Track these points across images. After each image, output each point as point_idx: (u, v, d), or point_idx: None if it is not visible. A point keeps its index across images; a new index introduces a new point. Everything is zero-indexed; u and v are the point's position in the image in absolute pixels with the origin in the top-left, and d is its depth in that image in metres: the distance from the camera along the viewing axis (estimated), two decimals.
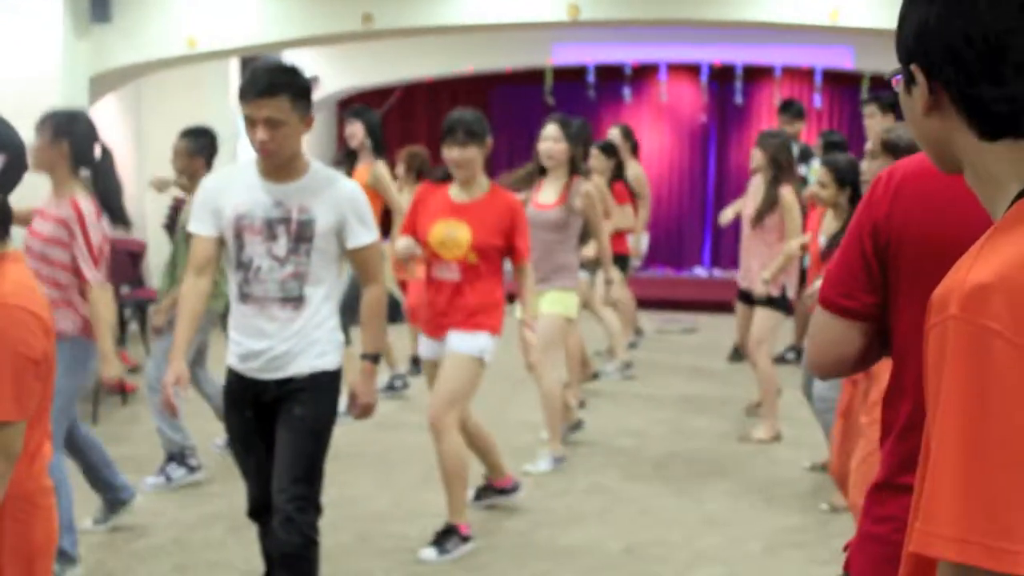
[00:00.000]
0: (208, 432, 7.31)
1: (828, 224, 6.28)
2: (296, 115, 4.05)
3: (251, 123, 4.05)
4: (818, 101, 15.33)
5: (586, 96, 15.53)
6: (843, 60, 14.30)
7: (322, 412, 4.22)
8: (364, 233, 4.22)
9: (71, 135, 5.07)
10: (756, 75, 15.83)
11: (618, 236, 9.36)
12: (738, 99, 15.69)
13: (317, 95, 15.04)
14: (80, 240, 4.97)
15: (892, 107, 9.10)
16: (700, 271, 17.13)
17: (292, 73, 4.09)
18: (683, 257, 17.14)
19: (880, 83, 14.88)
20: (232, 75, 12.65)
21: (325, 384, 4.22)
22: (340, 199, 4.17)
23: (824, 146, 10.01)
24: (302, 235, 4.13)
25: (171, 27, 9.85)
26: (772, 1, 9.64)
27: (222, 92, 12.40)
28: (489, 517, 6.04)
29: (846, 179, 6.13)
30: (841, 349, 2.15)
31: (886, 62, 13.99)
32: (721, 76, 15.89)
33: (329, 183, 4.18)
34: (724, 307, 13.83)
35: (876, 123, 9.10)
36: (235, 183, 4.21)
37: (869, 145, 4.66)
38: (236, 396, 4.29)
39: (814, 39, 13.75)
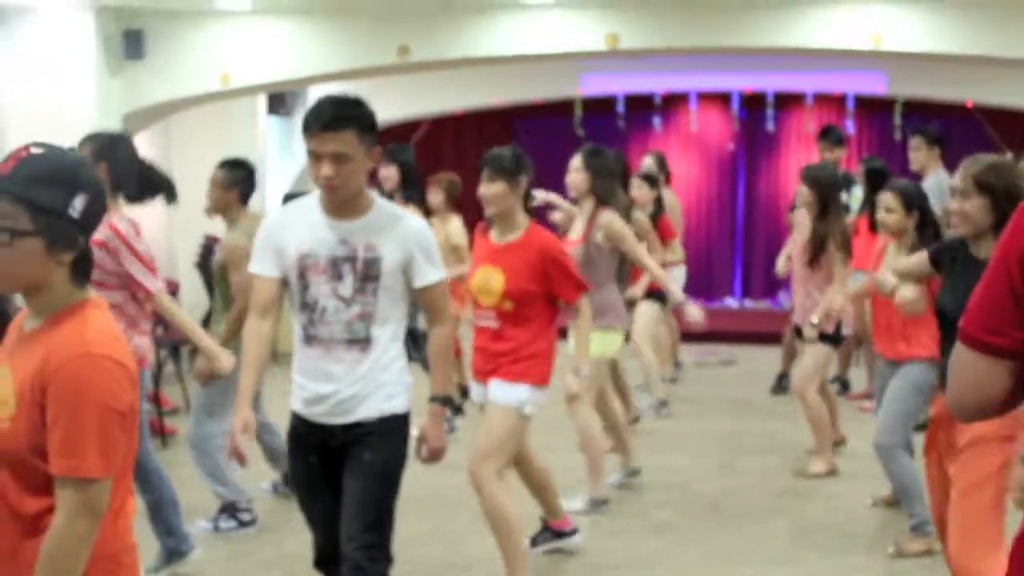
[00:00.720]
0: (254, 474, 7.14)
1: (891, 257, 6.04)
2: (362, 149, 3.91)
3: (316, 158, 3.91)
4: (850, 127, 15.17)
5: (616, 127, 15.43)
6: (875, 86, 14.16)
7: (391, 457, 4.06)
8: (432, 271, 4.08)
9: (111, 159, 4.96)
10: (787, 102, 15.72)
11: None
12: (769, 126, 15.57)
13: None
14: (127, 254, 4.88)
15: (938, 140, 8.96)
16: (731, 301, 16.97)
17: (358, 105, 3.94)
18: (713, 287, 16.97)
19: (912, 108, 14.76)
20: (260, 108, 12.56)
21: (394, 428, 4.07)
22: (407, 236, 4.02)
23: (866, 172, 9.87)
24: (368, 274, 3.99)
25: (204, 63, 9.78)
26: (813, 27, 9.53)
27: (250, 126, 12.32)
28: (547, 562, 5.86)
29: (913, 203, 5.94)
30: (986, 390, 1.98)
31: (918, 87, 13.86)
32: (752, 103, 15.77)
33: (395, 220, 4.04)
34: (756, 338, 13.68)
35: (922, 156, 8.97)
36: (297, 221, 4.07)
37: (955, 181, 4.46)
38: (301, 441, 4.14)
39: (846, 64, 13.63)
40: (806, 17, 9.45)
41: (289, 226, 4.07)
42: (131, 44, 9.57)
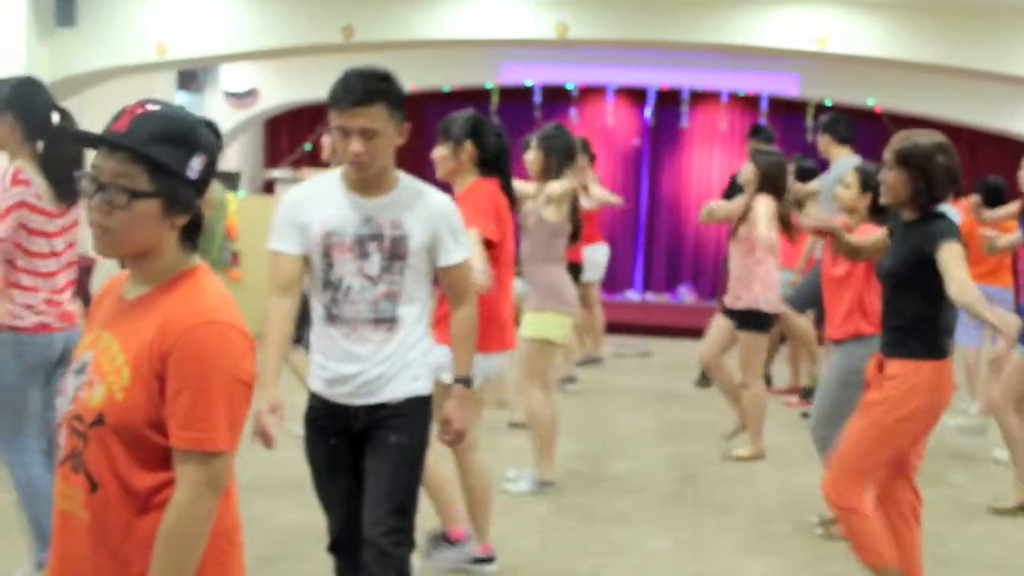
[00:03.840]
0: None
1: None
2: (392, 125, 3.81)
3: (344, 133, 3.79)
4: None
5: (532, 116, 15.43)
6: (789, 87, 14.38)
7: (418, 439, 3.98)
8: (457, 250, 4.00)
9: (15, 107, 4.75)
10: (702, 100, 15.88)
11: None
12: (683, 123, 15.72)
13: (254, 109, 14.69)
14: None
15: (834, 127, 9.15)
16: (632, 294, 17.10)
17: (388, 80, 3.84)
18: (615, 280, 17.08)
19: (824, 111, 15.01)
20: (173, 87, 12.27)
21: (420, 410, 3.99)
22: (434, 213, 3.94)
23: (797, 171, 10.03)
24: (396, 252, 3.89)
25: (140, 33, 9.49)
26: (762, 26, 9.62)
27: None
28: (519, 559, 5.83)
29: (870, 184, 6.07)
30: None
31: (831, 90, 14.12)
32: (668, 100, 15.91)
33: (421, 196, 3.95)
34: (659, 331, 13.82)
35: (823, 143, 9.11)
36: (320, 197, 3.95)
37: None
38: (321, 423, 4.03)
39: (762, 65, 13.83)
40: (754, 16, 9.55)
41: (312, 203, 3.95)
42: (63, 10, 9.24)
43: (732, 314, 7.66)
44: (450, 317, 4.15)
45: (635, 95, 16.11)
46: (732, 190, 9.38)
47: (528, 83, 15.29)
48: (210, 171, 2.46)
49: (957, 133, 15.33)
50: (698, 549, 5.95)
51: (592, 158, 10.62)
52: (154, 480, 2.36)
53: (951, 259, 4.42)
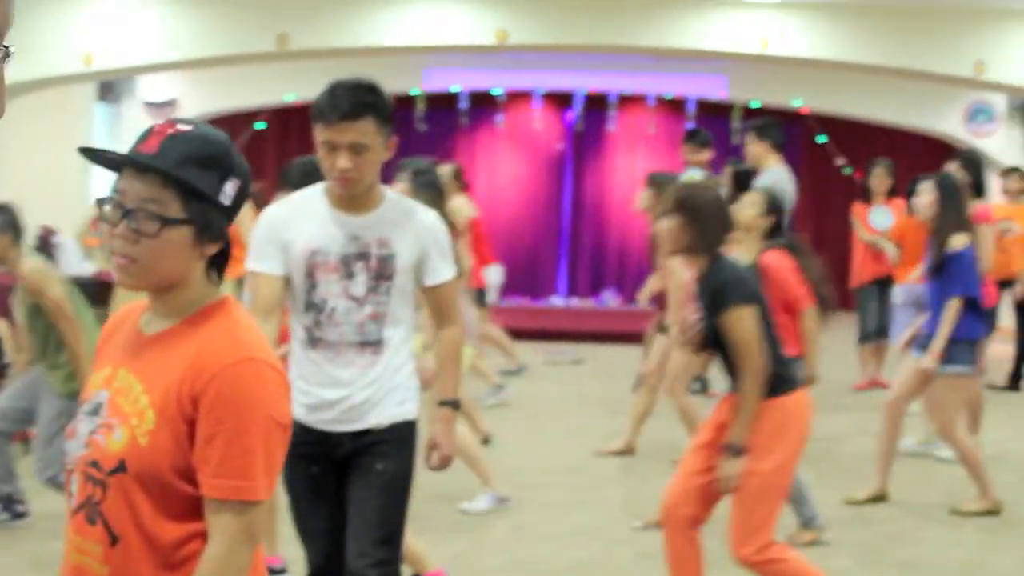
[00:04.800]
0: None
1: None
2: (381, 139, 3.66)
3: (330, 148, 3.63)
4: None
5: (458, 122, 15.31)
6: (717, 90, 14.41)
7: (403, 466, 3.83)
8: (445, 269, 3.87)
9: None
10: (629, 103, 15.87)
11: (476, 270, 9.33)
12: (611, 127, 15.70)
13: (173, 118, 14.37)
14: None
15: (766, 131, 9.09)
16: (556, 300, 17.06)
17: (377, 92, 3.68)
18: (539, 286, 17.04)
19: (751, 113, 15.09)
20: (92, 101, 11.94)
21: (406, 435, 3.84)
22: (422, 231, 3.80)
23: (733, 174, 10.02)
24: (383, 272, 3.74)
25: (66, 42, 9.18)
26: (706, 29, 9.59)
27: (86, 114, 11.69)
28: None
29: (774, 208, 6.07)
30: None
31: (758, 92, 14.19)
32: (595, 104, 15.87)
33: (409, 213, 3.81)
34: (586, 337, 13.74)
35: (753, 149, 9.03)
36: (302, 215, 3.78)
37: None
38: (302, 450, 3.83)
39: (689, 68, 13.84)
40: (696, 19, 9.51)
41: (294, 220, 3.78)
42: None
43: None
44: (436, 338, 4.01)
45: (563, 100, 16.06)
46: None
47: (454, 89, 15.15)
48: (243, 196, 2.30)
49: (882, 133, 15.54)
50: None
51: (465, 186, 10.53)
52: (181, 532, 2.18)
53: (734, 326, 4.36)
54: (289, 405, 2.25)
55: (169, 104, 14.32)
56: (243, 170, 2.28)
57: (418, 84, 14.56)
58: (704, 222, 4.47)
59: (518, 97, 15.86)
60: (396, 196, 3.85)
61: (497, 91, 15.53)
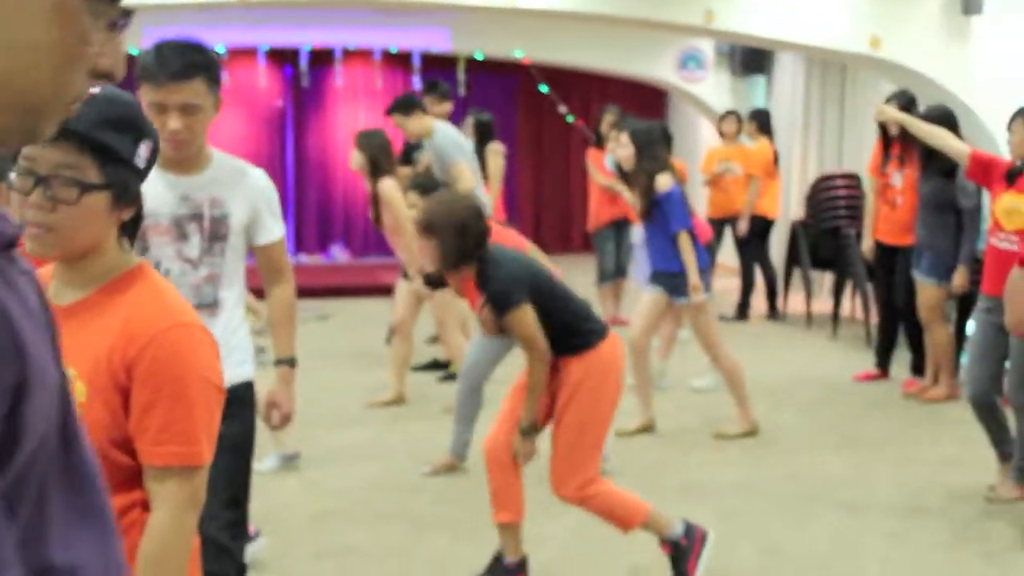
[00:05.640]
0: None
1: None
2: (211, 99, 3.62)
3: (161, 110, 3.56)
4: (417, 84, 15.48)
5: None
6: (441, 42, 14.52)
7: (247, 427, 3.82)
8: (277, 227, 3.88)
9: None
10: (355, 58, 15.81)
11: None
12: (338, 82, 15.60)
13: None
14: None
15: (434, 89, 9.63)
16: None
17: (205, 52, 3.63)
18: None
19: (474, 66, 15.31)
20: None
21: (246, 396, 3.83)
22: (253, 190, 3.79)
23: (475, 124, 10.23)
24: (217, 233, 3.71)
25: None
26: None
27: None
28: None
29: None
30: None
31: (481, 42, 14.40)
32: (321, 60, 15.73)
33: (240, 173, 3.79)
34: (322, 292, 13.68)
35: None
36: None
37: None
38: None
39: (413, 21, 13.91)
40: None
41: None
42: None
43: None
44: (267, 297, 4.00)
45: (288, 56, 15.85)
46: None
47: None
48: (155, 158, 2.26)
49: (597, 80, 16.05)
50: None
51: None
52: (120, 503, 2.11)
53: (514, 327, 4.59)
54: (220, 367, 2.25)
55: None
56: (154, 131, 2.25)
57: (137, 43, 14.03)
58: (450, 239, 4.61)
59: (241, 54, 15.54)
60: (224, 156, 3.82)
61: (219, 48, 15.17)
